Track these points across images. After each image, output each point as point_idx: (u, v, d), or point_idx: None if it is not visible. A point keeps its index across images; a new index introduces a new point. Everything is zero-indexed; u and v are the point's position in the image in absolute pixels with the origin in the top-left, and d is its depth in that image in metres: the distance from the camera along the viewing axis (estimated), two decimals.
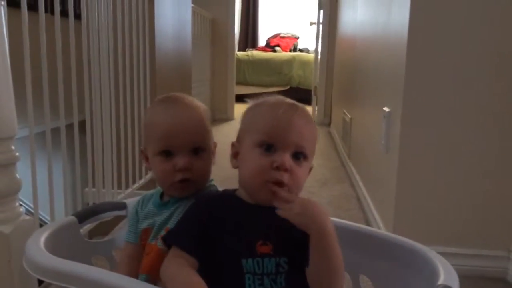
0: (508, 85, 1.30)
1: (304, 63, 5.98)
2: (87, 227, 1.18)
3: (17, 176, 0.96)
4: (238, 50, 6.39)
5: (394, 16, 1.54)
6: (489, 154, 1.34)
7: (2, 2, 0.91)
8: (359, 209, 1.97)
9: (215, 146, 0.84)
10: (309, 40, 6.48)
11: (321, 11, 4.44)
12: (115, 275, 0.64)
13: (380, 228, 1.55)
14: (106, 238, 0.98)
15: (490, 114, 1.32)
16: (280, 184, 0.67)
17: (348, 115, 2.73)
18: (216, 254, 0.68)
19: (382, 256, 0.81)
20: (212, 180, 0.84)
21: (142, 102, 1.93)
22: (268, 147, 0.69)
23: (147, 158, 0.83)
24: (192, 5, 3.01)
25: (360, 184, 2.14)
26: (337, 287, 0.66)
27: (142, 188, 1.93)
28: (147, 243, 0.81)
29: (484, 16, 1.29)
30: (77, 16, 1.38)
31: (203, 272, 0.67)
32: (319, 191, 2.23)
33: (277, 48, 6.57)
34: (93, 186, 1.59)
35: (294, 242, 0.66)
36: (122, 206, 0.97)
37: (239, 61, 5.85)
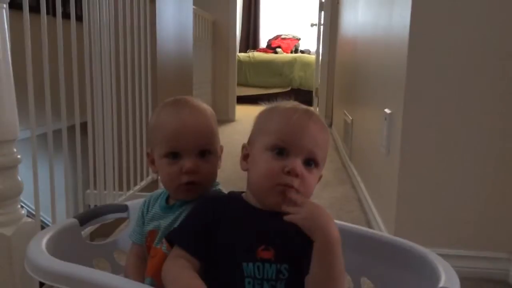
0: (510, 86, 1.30)
1: (305, 65, 5.97)
2: (88, 229, 1.18)
3: (19, 178, 0.96)
4: (239, 52, 6.39)
5: (396, 18, 1.54)
6: (491, 156, 1.33)
7: (4, 5, 0.91)
8: (360, 211, 1.97)
9: (222, 150, 0.84)
10: (310, 41, 6.47)
11: (322, 13, 4.43)
12: (117, 278, 0.64)
13: (382, 230, 1.55)
14: (107, 240, 0.98)
15: (492, 116, 1.32)
16: (290, 188, 0.67)
17: (349, 117, 2.73)
18: (217, 255, 0.68)
19: (383, 258, 0.80)
20: (218, 183, 0.84)
21: (143, 104, 1.93)
22: (280, 151, 0.68)
23: (153, 161, 0.82)
24: (194, 7, 3.02)
25: (362, 185, 2.14)
26: None
27: (143, 190, 1.94)
28: (152, 245, 0.81)
29: (486, 17, 1.28)
30: (79, 19, 1.39)
31: (203, 273, 0.66)
32: (321, 192, 2.22)
33: (279, 50, 6.57)
34: (95, 188, 1.59)
35: (296, 249, 0.65)
36: (123, 208, 0.97)
37: (241, 62, 5.84)
